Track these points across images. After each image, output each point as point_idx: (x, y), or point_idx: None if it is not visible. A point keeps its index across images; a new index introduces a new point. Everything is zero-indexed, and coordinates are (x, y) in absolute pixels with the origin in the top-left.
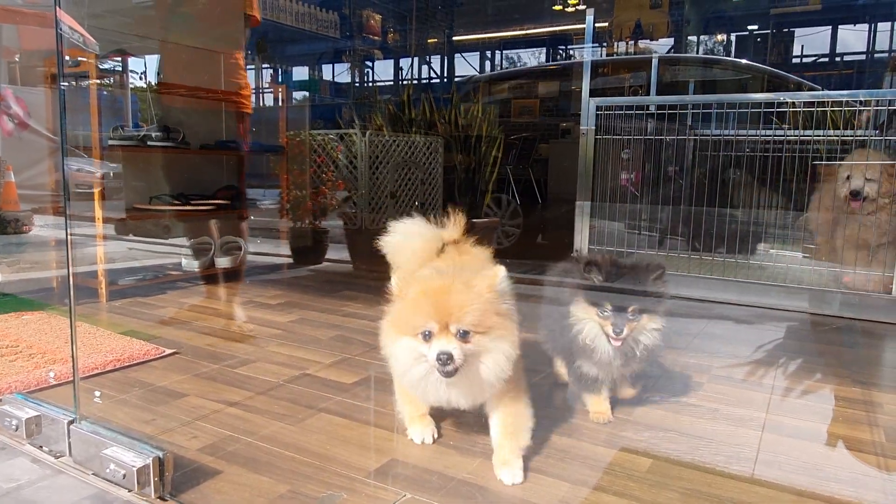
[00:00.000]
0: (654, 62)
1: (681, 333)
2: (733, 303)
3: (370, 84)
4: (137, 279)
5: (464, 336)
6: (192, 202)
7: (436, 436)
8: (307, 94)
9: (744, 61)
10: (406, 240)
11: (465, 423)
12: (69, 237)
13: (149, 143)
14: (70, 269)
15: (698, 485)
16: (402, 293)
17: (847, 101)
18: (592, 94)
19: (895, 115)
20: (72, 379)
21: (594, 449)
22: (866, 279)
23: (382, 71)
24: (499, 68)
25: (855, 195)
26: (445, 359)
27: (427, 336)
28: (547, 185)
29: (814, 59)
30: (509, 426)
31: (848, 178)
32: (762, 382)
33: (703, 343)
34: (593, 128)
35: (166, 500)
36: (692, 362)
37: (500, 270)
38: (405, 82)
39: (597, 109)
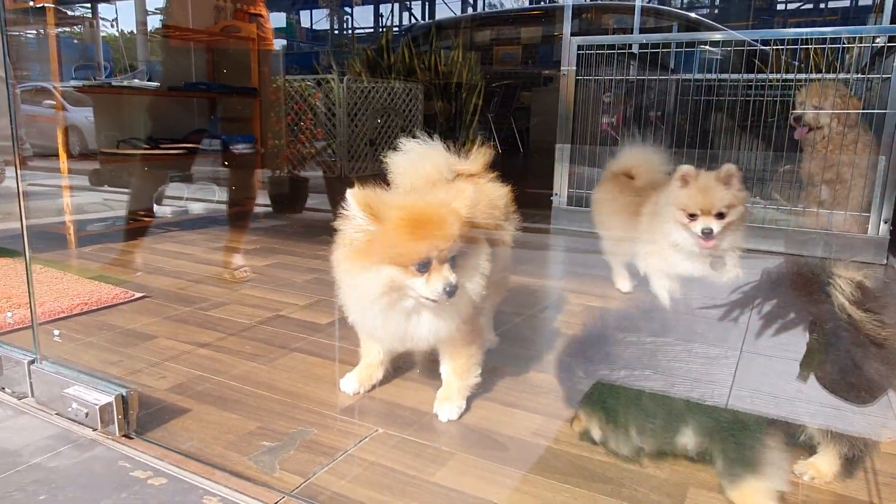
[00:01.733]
0: (638, 5)
1: None
2: None
3: (349, 30)
4: (107, 225)
5: (452, 264)
6: (162, 146)
7: (373, 385)
8: (284, 41)
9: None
10: (417, 161)
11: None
12: (19, 178)
13: (114, 83)
14: (22, 209)
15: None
16: (378, 217)
17: (829, 40)
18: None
19: (878, 55)
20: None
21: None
22: (843, 220)
23: (361, 17)
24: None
25: (797, 120)
26: (452, 291)
27: (423, 268)
28: (529, 133)
29: (798, 4)
30: (461, 366)
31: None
32: (738, 321)
33: (680, 283)
34: (574, 69)
35: (132, 438)
36: (669, 304)
37: (469, 189)
38: (384, 28)
39: (578, 49)
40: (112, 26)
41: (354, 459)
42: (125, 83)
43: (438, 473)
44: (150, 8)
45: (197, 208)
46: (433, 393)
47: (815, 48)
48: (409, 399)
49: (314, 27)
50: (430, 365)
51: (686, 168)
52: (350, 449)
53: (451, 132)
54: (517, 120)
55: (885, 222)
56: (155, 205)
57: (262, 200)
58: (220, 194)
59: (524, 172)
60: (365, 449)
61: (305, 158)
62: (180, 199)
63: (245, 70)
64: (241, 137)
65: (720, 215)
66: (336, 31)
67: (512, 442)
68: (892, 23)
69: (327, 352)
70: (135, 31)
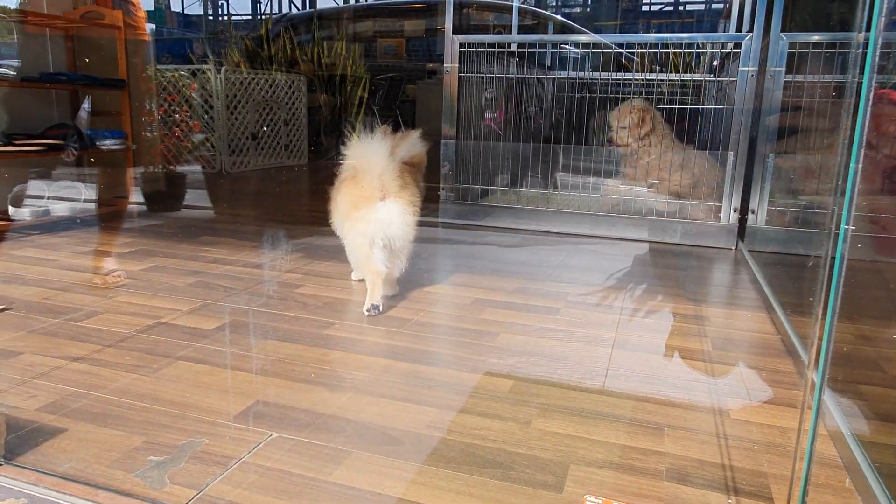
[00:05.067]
0: (515, 5)
1: (541, 265)
2: (587, 235)
3: (224, 17)
4: None
5: None
6: (16, 142)
7: None
8: (153, 26)
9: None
10: None
11: (334, 360)
12: None
13: None
14: None
15: (554, 400)
16: None
17: (685, 44)
18: (456, 32)
19: (727, 58)
20: None
21: (459, 376)
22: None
23: (238, 2)
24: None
25: (609, 142)
26: None
27: None
28: (415, 126)
29: (660, 7)
30: None
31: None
32: (612, 306)
33: (562, 273)
34: (457, 66)
35: (0, 465)
36: (552, 291)
37: None
38: (263, 15)
39: (460, 47)
40: None
41: (249, 466)
42: None
43: (336, 473)
44: None
45: (60, 209)
46: (329, 393)
47: (674, 51)
48: (304, 402)
49: (186, 12)
50: (327, 364)
51: None
52: (244, 456)
53: (337, 125)
54: (403, 113)
55: (735, 211)
56: (11, 207)
57: (137, 199)
58: (87, 193)
59: None
60: (260, 455)
61: (182, 153)
62: (41, 199)
63: (111, 60)
64: (110, 133)
65: None
66: (210, 18)
67: (406, 436)
68: (737, 30)
69: (215, 358)
70: None
